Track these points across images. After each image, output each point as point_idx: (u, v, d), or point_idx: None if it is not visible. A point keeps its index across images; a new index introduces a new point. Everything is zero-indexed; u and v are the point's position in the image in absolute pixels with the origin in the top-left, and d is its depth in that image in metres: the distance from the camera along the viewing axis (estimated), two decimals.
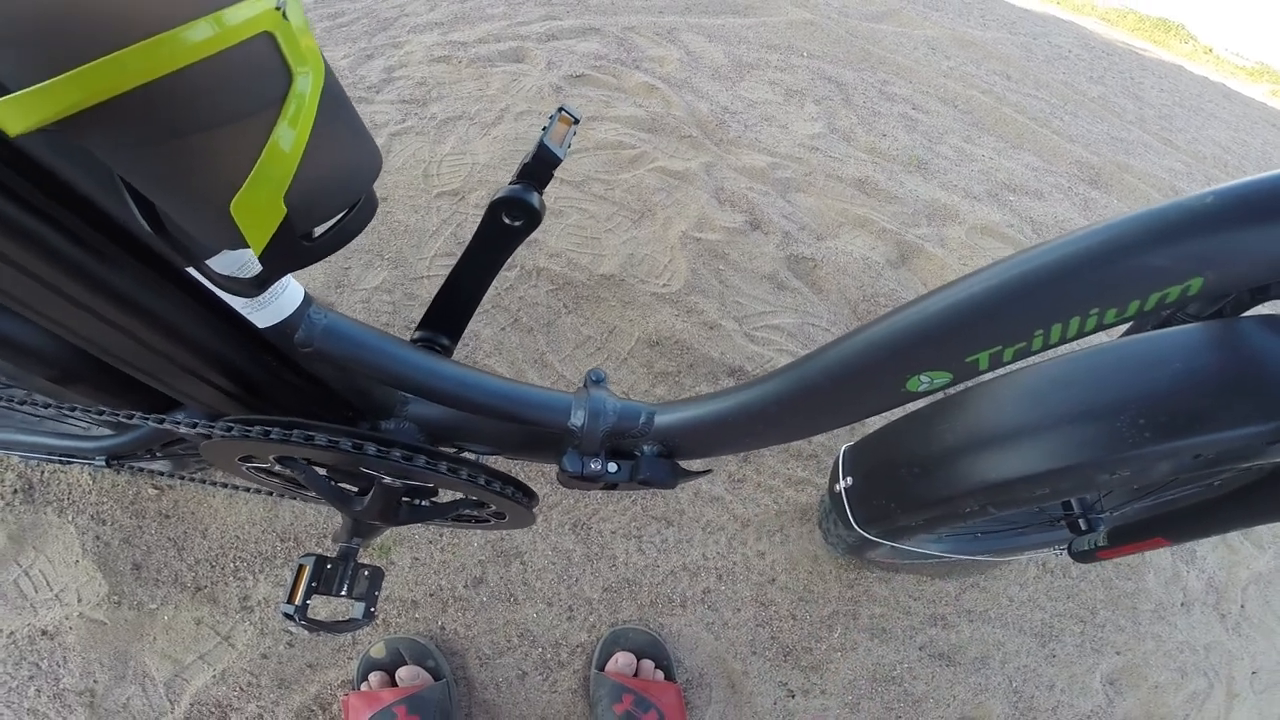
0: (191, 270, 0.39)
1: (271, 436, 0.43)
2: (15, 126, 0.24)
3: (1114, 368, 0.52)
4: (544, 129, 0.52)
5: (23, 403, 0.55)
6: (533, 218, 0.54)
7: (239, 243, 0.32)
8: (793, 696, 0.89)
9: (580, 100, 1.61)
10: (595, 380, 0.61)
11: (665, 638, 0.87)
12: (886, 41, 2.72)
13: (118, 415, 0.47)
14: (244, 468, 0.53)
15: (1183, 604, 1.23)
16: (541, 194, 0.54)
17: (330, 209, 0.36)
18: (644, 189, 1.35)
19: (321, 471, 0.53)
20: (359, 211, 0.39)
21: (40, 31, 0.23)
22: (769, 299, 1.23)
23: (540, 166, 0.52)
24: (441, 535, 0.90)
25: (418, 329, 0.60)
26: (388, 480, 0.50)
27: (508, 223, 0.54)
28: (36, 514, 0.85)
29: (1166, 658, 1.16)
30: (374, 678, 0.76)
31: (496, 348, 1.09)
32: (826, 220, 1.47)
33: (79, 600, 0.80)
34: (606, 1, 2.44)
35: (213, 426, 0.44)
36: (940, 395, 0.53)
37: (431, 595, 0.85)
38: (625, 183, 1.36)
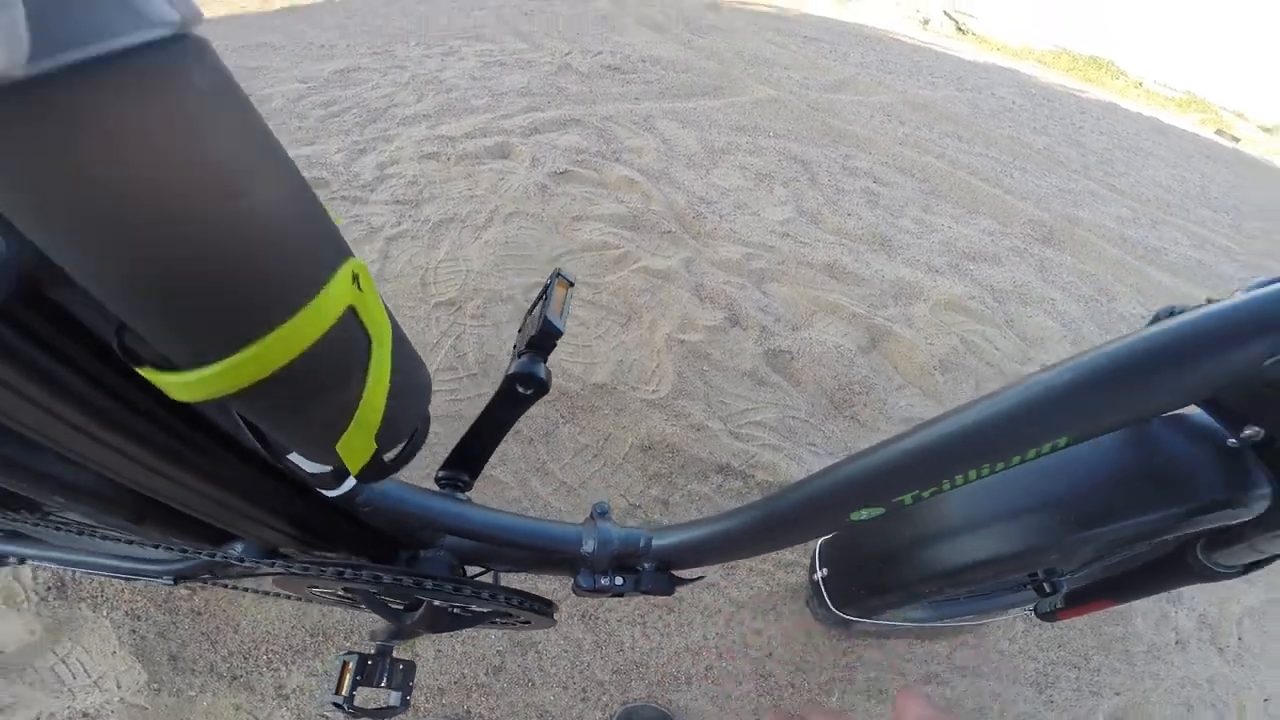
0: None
1: (345, 576, 0.52)
2: (185, 396, 0.28)
3: (1041, 474, 0.64)
4: (544, 298, 0.60)
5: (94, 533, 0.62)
6: (541, 388, 0.62)
7: (342, 471, 0.38)
8: None
9: (565, 199, 1.71)
10: (600, 513, 0.71)
11: (674, 711, 0.92)
12: (845, 112, 2.91)
13: (199, 553, 0.54)
14: (311, 591, 0.61)
15: (1177, 642, 1.29)
16: (546, 363, 0.62)
17: (404, 433, 0.43)
18: (629, 290, 1.44)
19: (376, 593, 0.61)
20: (423, 427, 0.46)
21: (218, 316, 0.26)
22: (751, 396, 1.31)
23: (544, 339, 0.60)
24: (462, 631, 0.95)
25: (442, 468, 0.68)
26: (438, 602, 0.59)
27: (521, 392, 0.62)
28: (71, 609, 0.88)
29: (1168, 694, 1.20)
30: None
31: (501, 459, 1.14)
32: (800, 309, 1.57)
33: (119, 687, 0.84)
34: (585, 90, 2.58)
35: (295, 564, 0.52)
36: None
37: (456, 683, 0.89)
38: (611, 285, 1.45)
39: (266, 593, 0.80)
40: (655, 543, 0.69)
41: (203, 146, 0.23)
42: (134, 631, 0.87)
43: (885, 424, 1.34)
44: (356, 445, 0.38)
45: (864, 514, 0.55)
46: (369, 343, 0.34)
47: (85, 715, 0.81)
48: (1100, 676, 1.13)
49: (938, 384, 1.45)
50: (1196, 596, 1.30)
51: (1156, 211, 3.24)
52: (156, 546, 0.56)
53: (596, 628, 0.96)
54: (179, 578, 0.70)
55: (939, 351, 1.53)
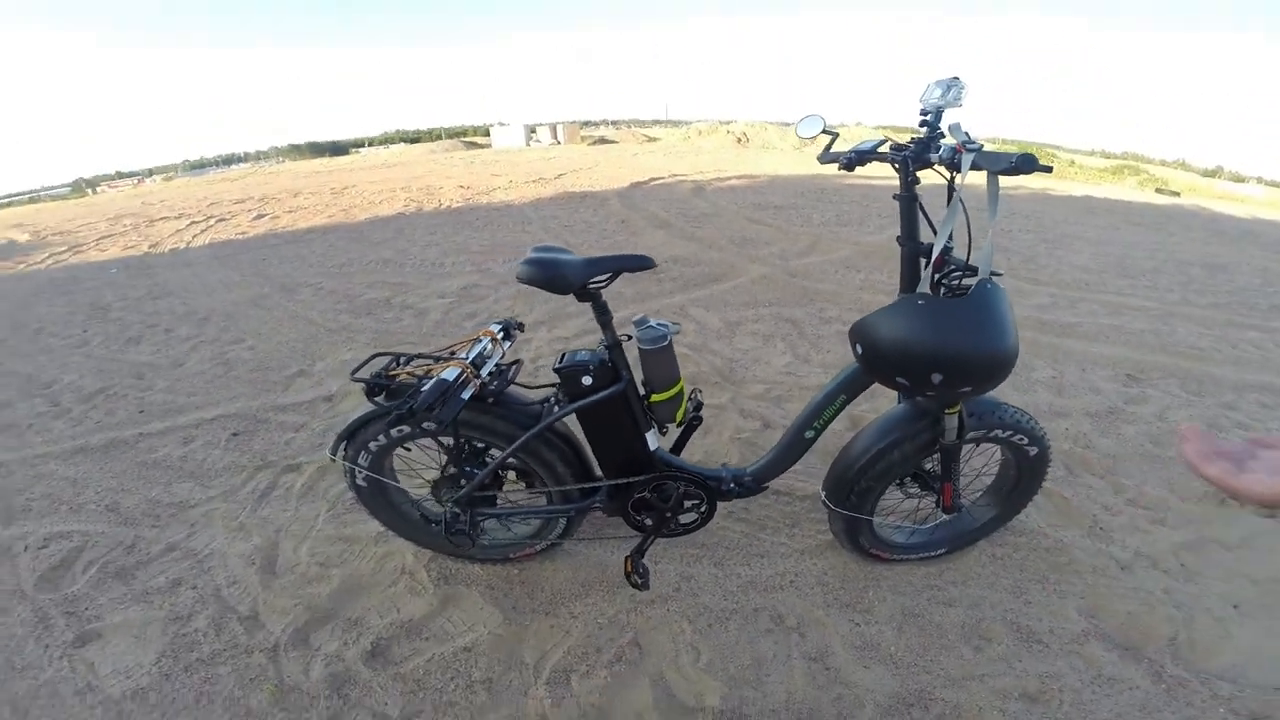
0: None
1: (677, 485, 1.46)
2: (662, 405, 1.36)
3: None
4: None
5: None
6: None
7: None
8: (858, 625, 1.51)
9: None
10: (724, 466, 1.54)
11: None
12: (815, 273, 4.07)
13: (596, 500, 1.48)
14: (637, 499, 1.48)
15: (1121, 568, 1.68)
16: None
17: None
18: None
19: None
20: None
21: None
22: None
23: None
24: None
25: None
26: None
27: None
28: (453, 588, 1.61)
29: (1127, 597, 1.58)
30: None
31: None
32: None
33: (484, 627, 1.49)
34: (632, 292, 3.78)
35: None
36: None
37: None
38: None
39: (597, 538, 1.64)
40: (748, 470, 1.52)
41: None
42: (490, 595, 1.59)
43: None
44: (680, 415, 1.37)
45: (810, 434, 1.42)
46: (682, 389, 1.35)
47: (466, 649, 1.45)
48: (1063, 587, 1.60)
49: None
50: (1126, 539, 1.77)
51: (1074, 292, 3.93)
52: (576, 502, 1.46)
53: (722, 563, 1.76)
54: (564, 535, 1.58)
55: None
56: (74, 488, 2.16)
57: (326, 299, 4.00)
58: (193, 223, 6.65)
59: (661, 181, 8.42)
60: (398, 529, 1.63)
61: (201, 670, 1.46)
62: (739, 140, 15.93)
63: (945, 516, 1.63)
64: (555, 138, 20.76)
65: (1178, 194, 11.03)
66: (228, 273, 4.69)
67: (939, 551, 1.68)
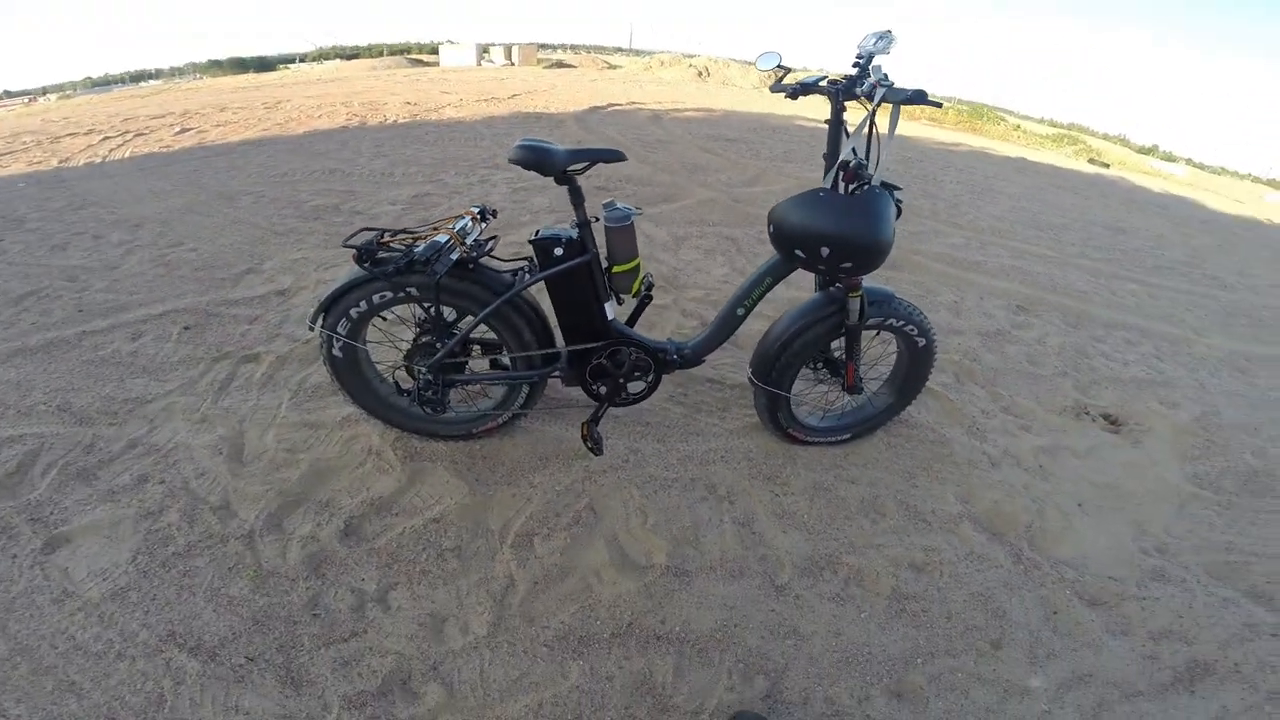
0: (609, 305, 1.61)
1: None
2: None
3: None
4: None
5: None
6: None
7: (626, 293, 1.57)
8: (777, 496, 1.74)
9: None
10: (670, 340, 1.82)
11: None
12: (758, 200, 4.27)
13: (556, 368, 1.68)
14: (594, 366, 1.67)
15: (991, 463, 1.94)
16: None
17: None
18: (647, 313, 2.62)
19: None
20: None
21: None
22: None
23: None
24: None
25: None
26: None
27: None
28: (419, 465, 1.72)
29: (994, 488, 1.82)
30: None
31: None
32: None
33: (450, 499, 1.62)
34: (590, 205, 3.84)
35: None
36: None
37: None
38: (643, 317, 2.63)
39: (557, 408, 1.87)
40: (689, 344, 1.74)
41: None
42: (454, 469, 1.73)
43: None
44: (634, 287, 1.60)
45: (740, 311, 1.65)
46: (639, 265, 1.56)
47: (435, 520, 1.57)
48: (943, 475, 1.88)
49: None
50: (998, 439, 2.05)
51: (988, 237, 4.34)
52: (539, 369, 1.64)
53: (664, 440, 2.04)
54: (525, 405, 1.76)
55: None
56: (18, 391, 2.06)
57: (269, 205, 3.90)
58: (106, 138, 6.13)
59: (619, 108, 8.29)
60: (366, 404, 1.76)
61: (179, 564, 1.46)
62: (700, 74, 15.61)
63: (850, 400, 1.93)
64: (509, 59, 19.66)
65: (1108, 165, 11.64)
66: (157, 182, 4.45)
67: (845, 436, 1.97)
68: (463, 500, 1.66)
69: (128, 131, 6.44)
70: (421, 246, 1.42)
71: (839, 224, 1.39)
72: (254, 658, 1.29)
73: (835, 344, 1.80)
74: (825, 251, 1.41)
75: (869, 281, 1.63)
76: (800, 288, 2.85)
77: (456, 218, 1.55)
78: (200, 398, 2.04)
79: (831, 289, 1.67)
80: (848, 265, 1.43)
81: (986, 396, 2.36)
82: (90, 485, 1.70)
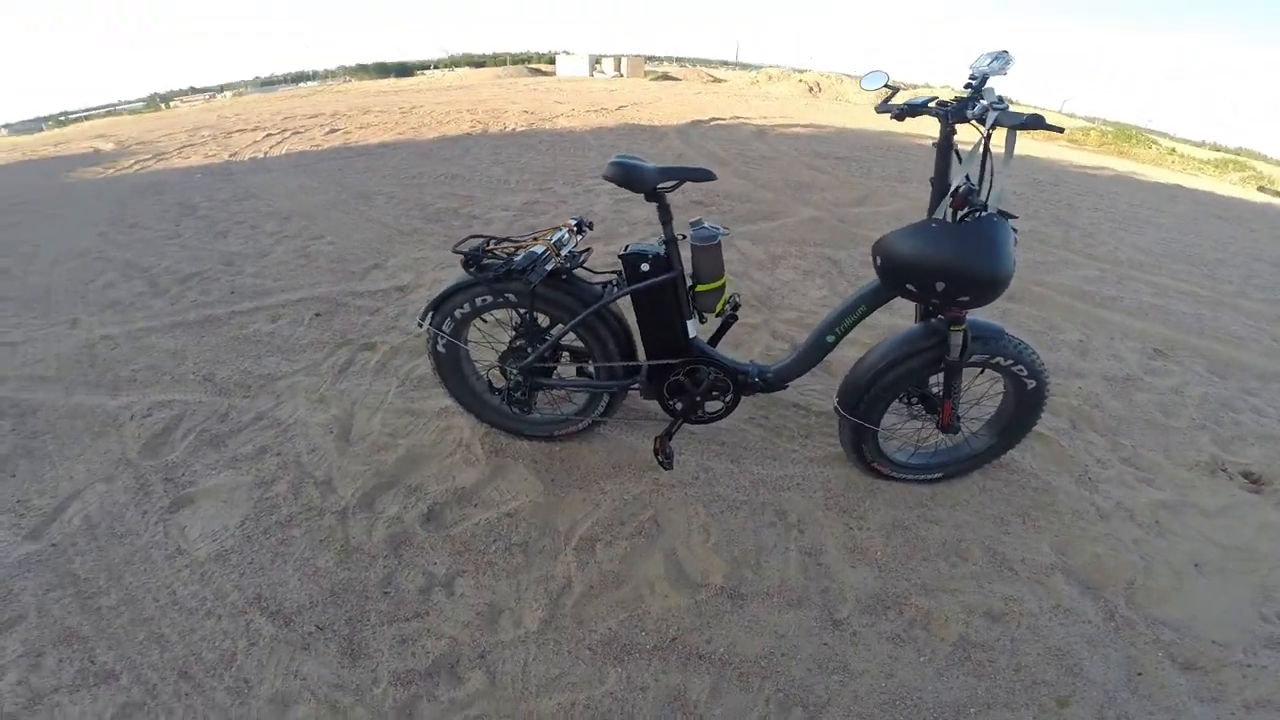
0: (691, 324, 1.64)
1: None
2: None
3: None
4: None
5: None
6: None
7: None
8: (851, 530, 1.66)
9: None
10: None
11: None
12: (865, 221, 4.09)
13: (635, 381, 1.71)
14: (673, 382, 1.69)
15: (1100, 515, 1.76)
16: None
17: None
18: (736, 332, 2.59)
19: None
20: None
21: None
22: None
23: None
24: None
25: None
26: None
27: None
28: (502, 461, 1.81)
29: (1098, 541, 1.67)
30: None
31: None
32: None
33: (527, 496, 1.69)
34: (681, 221, 3.88)
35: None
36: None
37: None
38: (732, 336, 2.61)
39: (633, 420, 1.91)
40: (772, 367, 1.71)
41: None
42: (534, 468, 1.79)
43: None
44: (720, 307, 1.61)
45: (830, 339, 1.60)
46: (725, 284, 1.57)
47: (509, 515, 1.64)
48: (1041, 524, 1.73)
49: None
50: (1111, 491, 1.86)
51: (1126, 270, 3.87)
52: (619, 380, 1.69)
53: (738, 458, 2.01)
54: (605, 413, 1.82)
55: None
56: (174, 359, 2.35)
57: (399, 206, 4.26)
58: (269, 135, 6.98)
59: (722, 122, 8.29)
60: (462, 398, 1.89)
61: (279, 532, 1.57)
62: (810, 90, 15.26)
63: (944, 438, 1.80)
64: (619, 70, 20.29)
65: None
66: (306, 179, 5.01)
67: (935, 475, 1.84)
68: (536, 499, 1.72)
69: (286, 130, 7.30)
70: (521, 255, 1.51)
71: (955, 256, 1.30)
72: (323, 626, 1.38)
73: (934, 379, 1.69)
74: (940, 285, 1.33)
75: (977, 314, 1.52)
76: (904, 315, 2.70)
77: (555, 229, 1.63)
78: (321, 379, 2.24)
79: (933, 320, 1.57)
80: (964, 299, 1.35)
81: (1105, 445, 2.12)
82: (219, 451, 1.87)
